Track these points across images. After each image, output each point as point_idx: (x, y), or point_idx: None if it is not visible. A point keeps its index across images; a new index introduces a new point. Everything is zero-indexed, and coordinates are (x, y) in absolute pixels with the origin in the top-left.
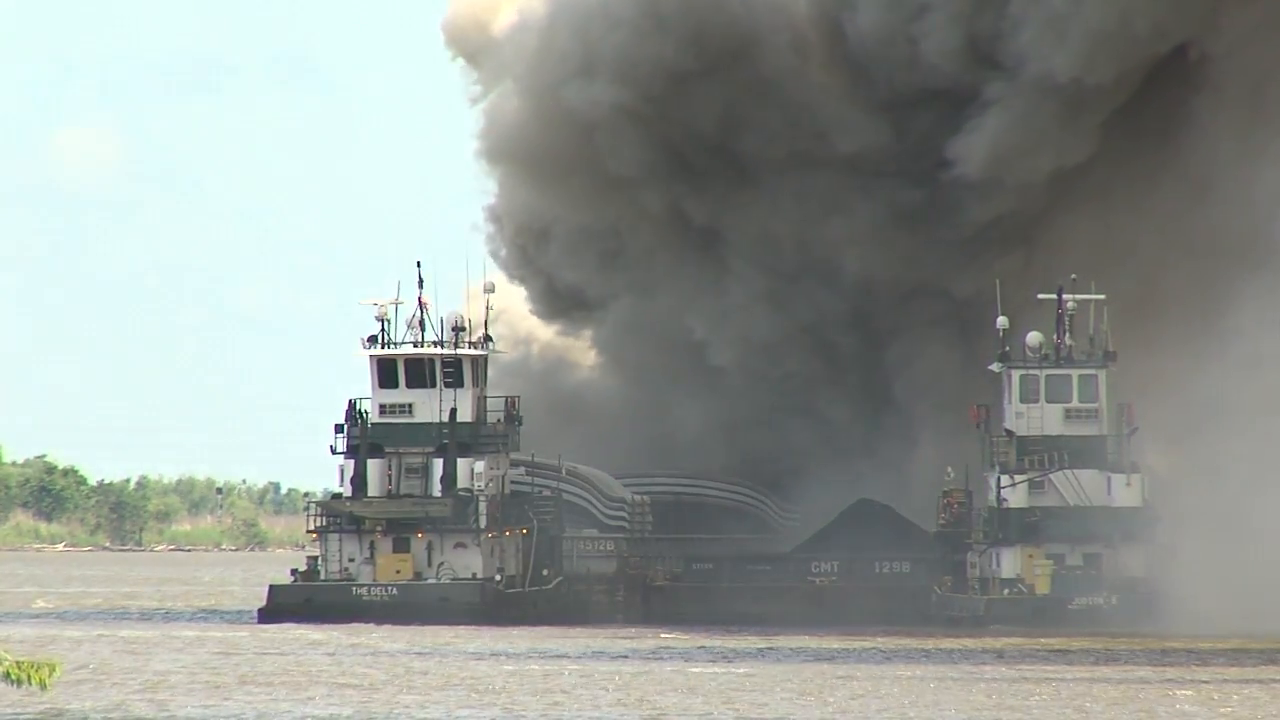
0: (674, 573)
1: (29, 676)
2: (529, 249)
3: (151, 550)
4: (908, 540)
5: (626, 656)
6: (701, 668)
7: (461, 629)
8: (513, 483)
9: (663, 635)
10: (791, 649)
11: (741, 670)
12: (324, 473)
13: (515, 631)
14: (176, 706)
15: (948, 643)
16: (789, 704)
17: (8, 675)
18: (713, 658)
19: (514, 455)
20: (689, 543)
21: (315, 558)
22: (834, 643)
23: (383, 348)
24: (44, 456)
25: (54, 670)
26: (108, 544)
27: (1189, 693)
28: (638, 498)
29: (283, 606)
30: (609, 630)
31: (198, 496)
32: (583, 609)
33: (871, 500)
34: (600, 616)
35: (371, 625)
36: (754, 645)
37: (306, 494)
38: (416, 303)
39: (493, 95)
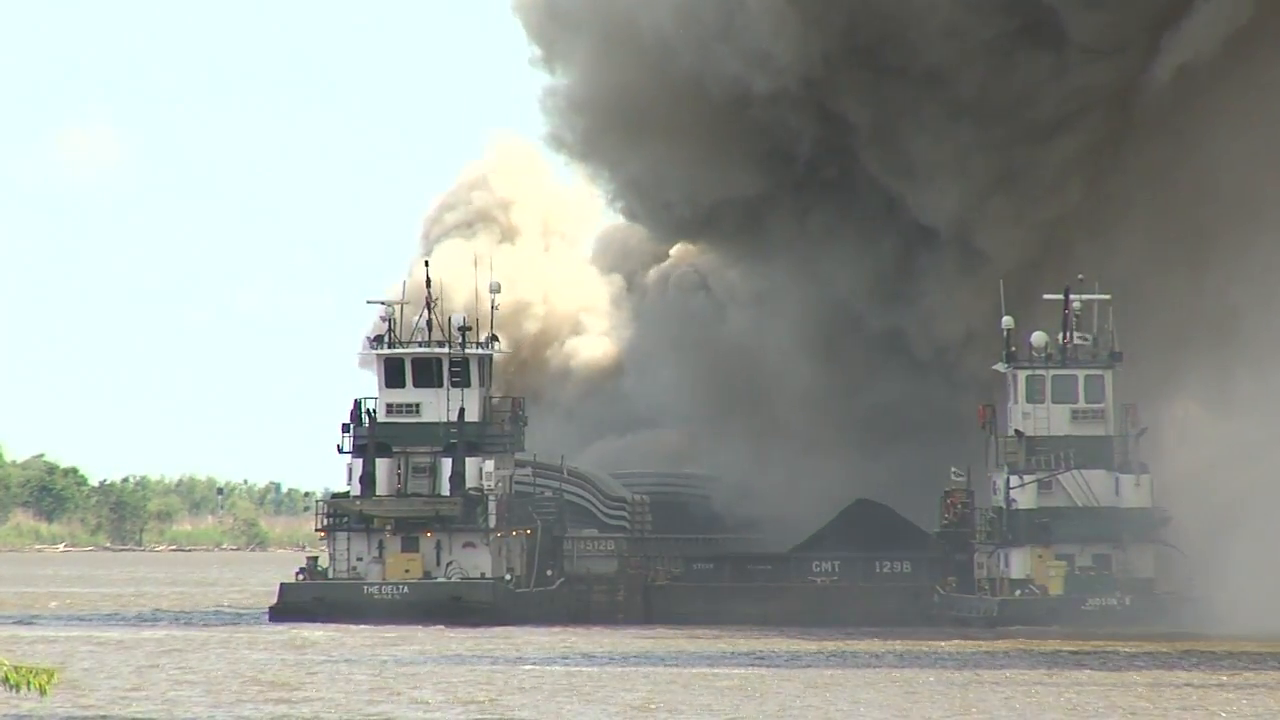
0: (674, 573)
1: (28, 681)
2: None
3: (152, 550)
4: (907, 540)
5: (637, 657)
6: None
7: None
8: (516, 483)
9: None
10: (821, 651)
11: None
12: (325, 473)
13: (552, 630)
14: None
15: (998, 644)
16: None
17: (6, 680)
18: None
19: (518, 455)
20: (689, 542)
21: (315, 557)
22: (855, 645)
23: (388, 347)
24: (44, 456)
25: (52, 676)
26: (108, 544)
27: (1234, 695)
28: (637, 497)
29: (294, 605)
30: (637, 630)
31: (198, 496)
32: (584, 609)
33: (870, 500)
34: (601, 616)
35: (416, 627)
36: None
37: (307, 494)
38: (424, 303)
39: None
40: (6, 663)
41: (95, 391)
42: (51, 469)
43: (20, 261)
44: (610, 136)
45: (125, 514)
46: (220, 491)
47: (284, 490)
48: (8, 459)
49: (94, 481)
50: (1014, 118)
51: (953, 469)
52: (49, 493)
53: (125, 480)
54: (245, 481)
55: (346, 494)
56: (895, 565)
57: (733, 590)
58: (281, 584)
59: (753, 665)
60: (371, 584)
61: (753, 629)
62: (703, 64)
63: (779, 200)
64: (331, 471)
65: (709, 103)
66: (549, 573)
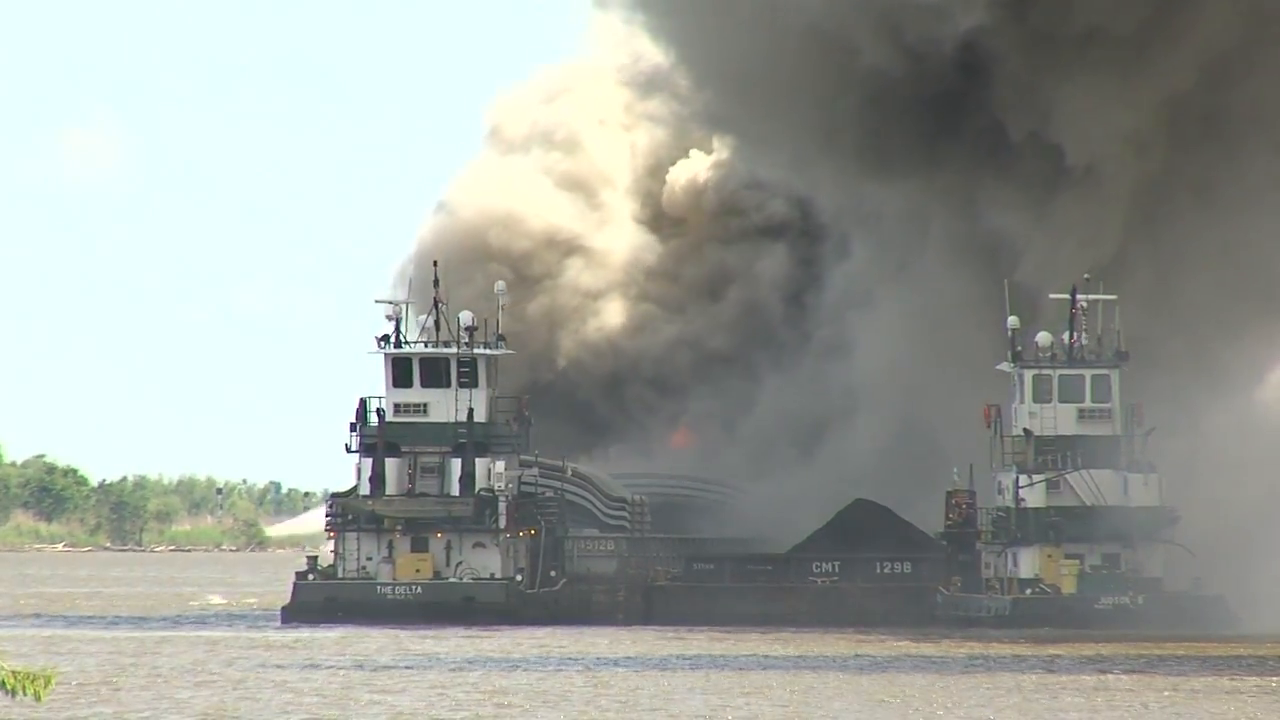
0: (673, 573)
1: (24, 687)
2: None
3: (151, 550)
4: (906, 540)
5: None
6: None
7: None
8: (521, 483)
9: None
10: (845, 654)
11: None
12: (325, 473)
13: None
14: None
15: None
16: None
17: (3, 685)
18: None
19: (522, 456)
20: (688, 542)
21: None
22: (882, 647)
23: (395, 347)
24: (44, 456)
25: (49, 681)
26: (108, 544)
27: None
28: (637, 498)
29: (307, 606)
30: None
31: (198, 496)
32: (586, 609)
33: (868, 500)
34: (602, 616)
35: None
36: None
37: (307, 494)
38: (432, 303)
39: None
40: (5, 667)
41: (95, 391)
42: (51, 469)
43: (20, 261)
44: (760, 107)
45: (125, 514)
46: (220, 491)
47: (284, 490)
48: (8, 459)
49: (94, 481)
50: (1171, 56)
51: (954, 470)
52: (49, 493)
53: (125, 480)
54: (245, 481)
55: (348, 493)
56: (896, 565)
57: (733, 590)
58: (295, 584)
59: (760, 667)
60: (384, 584)
61: (753, 629)
62: (859, 21)
63: (942, 155)
64: (332, 471)
65: (867, 62)
66: (552, 573)
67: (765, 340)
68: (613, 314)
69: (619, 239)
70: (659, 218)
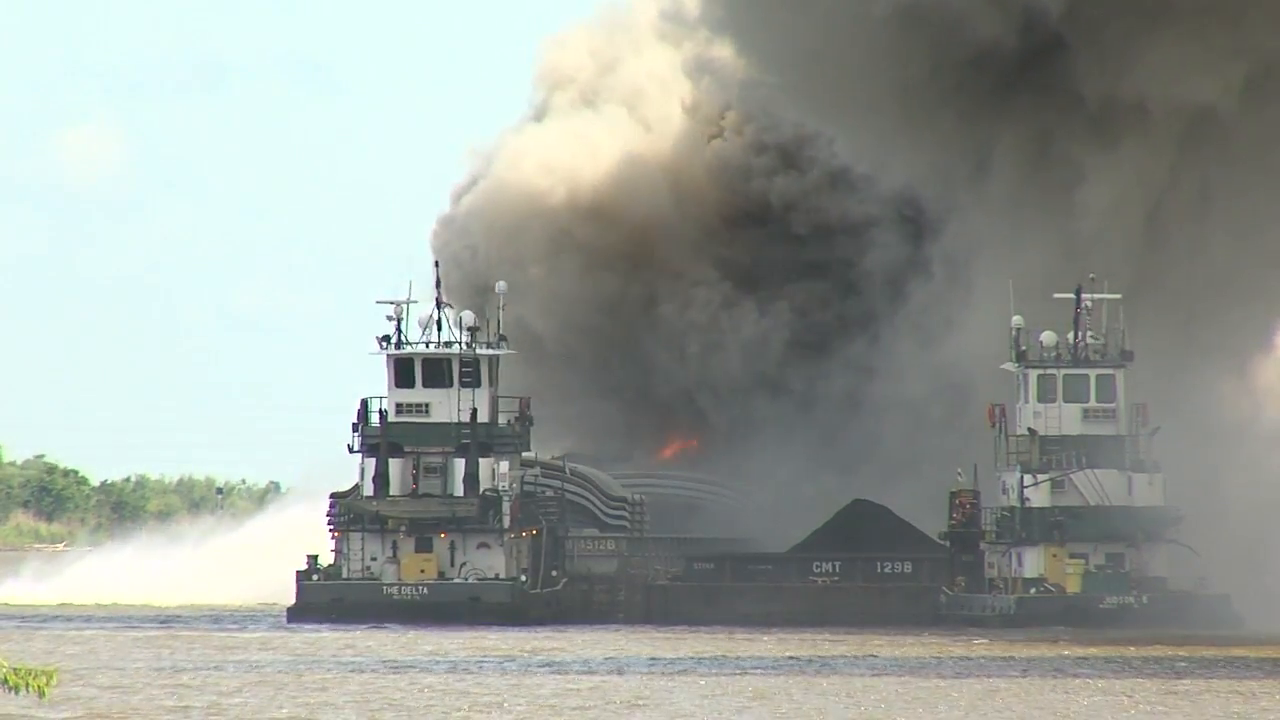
0: (673, 573)
1: (26, 683)
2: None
3: None
4: (905, 541)
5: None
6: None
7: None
8: (524, 483)
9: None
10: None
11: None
12: (324, 472)
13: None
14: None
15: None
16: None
17: (5, 681)
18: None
19: (524, 455)
20: (688, 542)
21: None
22: (916, 649)
23: (396, 347)
24: (44, 456)
25: (51, 678)
26: (108, 544)
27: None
28: (637, 497)
29: (312, 605)
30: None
31: (198, 496)
32: (586, 609)
33: (867, 500)
34: (602, 616)
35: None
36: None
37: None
38: (434, 303)
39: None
40: (6, 664)
41: (95, 391)
42: (51, 469)
43: (21, 261)
44: (843, 90)
45: (125, 514)
46: (220, 491)
47: (284, 490)
48: (8, 459)
49: (94, 481)
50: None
51: (958, 470)
52: (49, 493)
53: (126, 480)
54: (244, 482)
55: (347, 493)
56: (896, 565)
57: (733, 590)
58: (300, 584)
59: (760, 667)
60: (390, 584)
61: (753, 629)
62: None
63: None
64: (332, 471)
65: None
66: (554, 573)
67: (861, 327)
68: (700, 304)
69: (702, 224)
70: (736, 201)
